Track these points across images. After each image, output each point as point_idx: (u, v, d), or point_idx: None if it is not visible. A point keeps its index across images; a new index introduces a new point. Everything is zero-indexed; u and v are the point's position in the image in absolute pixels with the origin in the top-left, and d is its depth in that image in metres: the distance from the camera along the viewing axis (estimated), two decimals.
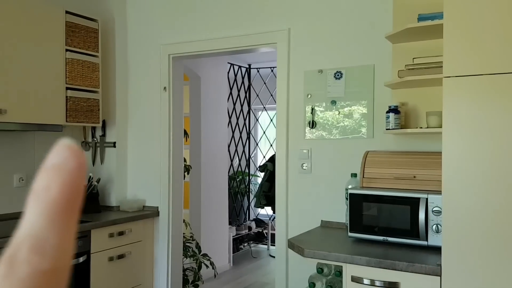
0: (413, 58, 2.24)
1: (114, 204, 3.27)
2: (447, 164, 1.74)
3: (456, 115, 1.72)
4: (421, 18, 2.08)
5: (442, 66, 1.77)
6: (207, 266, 3.67)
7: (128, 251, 3.00)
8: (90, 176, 3.18)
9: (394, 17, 2.35)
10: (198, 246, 3.74)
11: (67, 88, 2.90)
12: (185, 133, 3.94)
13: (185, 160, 3.86)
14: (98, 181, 3.17)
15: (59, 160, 0.24)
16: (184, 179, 3.44)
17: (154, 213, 3.19)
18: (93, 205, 3.10)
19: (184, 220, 3.76)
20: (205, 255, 3.68)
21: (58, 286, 0.22)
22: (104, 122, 3.29)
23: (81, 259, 2.65)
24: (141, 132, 3.31)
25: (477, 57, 1.69)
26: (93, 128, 3.34)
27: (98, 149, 3.32)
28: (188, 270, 3.59)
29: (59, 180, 0.23)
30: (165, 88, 3.18)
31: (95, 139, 3.33)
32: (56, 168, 0.23)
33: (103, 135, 3.30)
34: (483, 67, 1.68)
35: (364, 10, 2.53)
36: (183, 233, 3.61)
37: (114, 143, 3.27)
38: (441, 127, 1.86)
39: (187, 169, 3.87)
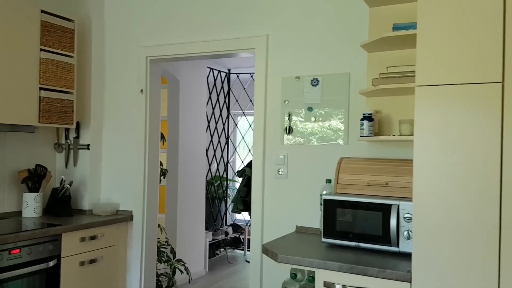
0: (387, 67, 2.28)
1: (87, 208, 3.21)
2: (418, 172, 1.77)
3: (427, 123, 1.76)
4: (396, 27, 2.12)
5: (414, 75, 1.80)
6: (181, 272, 3.64)
7: (100, 256, 2.94)
8: (62, 179, 3.11)
9: (370, 26, 2.39)
10: (173, 251, 3.70)
11: (41, 89, 2.84)
12: (162, 136, 3.91)
13: (161, 164, 3.82)
14: (70, 184, 3.11)
15: None
16: (160, 183, 3.40)
17: (128, 217, 3.15)
18: (65, 208, 3.04)
19: (159, 225, 3.72)
20: (179, 260, 3.65)
21: None
22: (78, 124, 3.24)
23: (51, 263, 2.59)
24: (116, 135, 3.26)
25: (449, 67, 1.73)
26: (67, 130, 3.28)
27: (72, 151, 3.25)
28: (162, 276, 3.55)
29: None
30: (142, 90, 3.15)
31: (69, 141, 3.27)
32: None
33: (77, 137, 3.24)
34: (455, 77, 1.72)
35: (341, 18, 2.57)
36: (158, 238, 3.57)
37: (88, 145, 3.22)
38: (413, 135, 1.90)
39: (163, 173, 3.84)
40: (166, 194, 4.32)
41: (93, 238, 2.88)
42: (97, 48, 3.28)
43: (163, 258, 3.55)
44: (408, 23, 2.09)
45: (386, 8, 2.33)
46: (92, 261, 2.88)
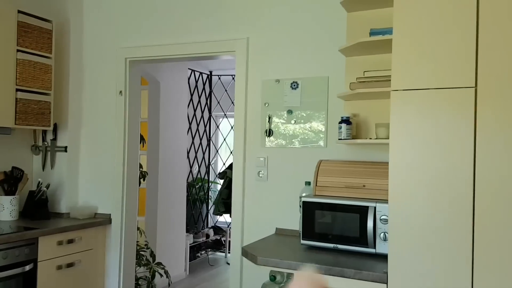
0: (364, 71, 2.32)
1: (64, 211, 3.16)
2: (394, 174, 1.80)
3: (402, 127, 1.79)
4: (373, 32, 2.15)
5: (390, 80, 1.84)
6: (161, 275, 3.61)
7: (77, 260, 2.90)
8: (39, 182, 3.06)
9: (347, 31, 2.42)
10: (152, 255, 3.67)
11: (17, 90, 2.79)
12: (142, 138, 3.88)
13: (141, 166, 3.79)
14: (47, 186, 3.06)
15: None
16: (139, 185, 3.38)
17: (106, 220, 3.11)
18: (41, 211, 2.99)
19: (138, 228, 3.69)
20: (159, 263, 3.62)
21: None
22: (55, 126, 3.19)
23: (27, 268, 2.54)
24: (95, 137, 3.23)
25: (423, 72, 1.77)
26: (44, 132, 3.22)
27: (49, 154, 3.20)
28: (141, 279, 3.52)
29: None
30: (121, 92, 3.12)
31: (46, 143, 3.21)
32: None
33: (54, 139, 3.19)
34: (429, 81, 1.76)
35: (320, 23, 2.59)
36: (137, 241, 3.54)
37: (66, 147, 3.17)
38: (389, 138, 1.93)
39: (143, 175, 3.81)
40: (146, 197, 4.29)
41: (70, 241, 2.85)
42: (76, 49, 3.24)
43: (142, 262, 3.52)
44: (385, 28, 2.12)
45: (364, 13, 2.36)
46: (70, 265, 2.84)
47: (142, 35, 3.10)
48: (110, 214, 3.15)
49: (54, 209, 3.18)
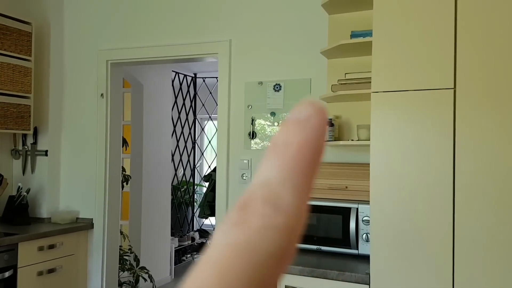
0: (345, 73, 2.33)
1: (45, 216, 3.11)
2: (374, 175, 1.81)
3: (382, 128, 1.80)
4: (353, 35, 2.16)
5: (371, 82, 1.85)
6: (145, 280, 3.57)
7: (59, 265, 2.85)
8: (19, 186, 3.00)
9: (329, 33, 2.43)
10: (136, 259, 3.63)
11: None
12: (125, 141, 3.84)
13: (124, 170, 3.75)
14: (28, 191, 3.00)
15: (303, 116, 0.22)
16: (123, 189, 3.34)
17: (88, 225, 3.07)
18: (22, 216, 2.93)
19: (122, 232, 3.64)
20: (143, 268, 3.58)
21: (288, 246, 0.20)
22: (36, 129, 3.13)
23: (6, 274, 2.49)
24: (76, 140, 3.18)
25: (403, 74, 1.79)
26: (24, 136, 3.17)
27: (29, 158, 3.15)
28: (125, 284, 3.48)
29: (301, 137, 0.22)
30: (102, 94, 3.08)
31: (26, 147, 3.16)
32: (299, 123, 0.22)
33: (35, 143, 3.14)
34: (409, 83, 1.78)
35: (302, 25, 2.60)
36: (121, 246, 3.49)
37: (46, 151, 3.12)
38: (370, 139, 1.94)
39: (126, 179, 3.77)
40: (129, 201, 4.24)
41: (51, 247, 2.80)
42: (56, 51, 3.19)
43: (126, 266, 3.48)
44: (366, 31, 2.14)
45: (345, 15, 2.38)
46: (51, 271, 2.79)
47: (123, 37, 3.07)
48: (92, 219, 3.10)
49: (34, 214, 3.12)
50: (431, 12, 1.75)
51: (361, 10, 2.33)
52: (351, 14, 2.36)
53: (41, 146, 3.14)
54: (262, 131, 2.69)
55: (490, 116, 1.65)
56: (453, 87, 1.71)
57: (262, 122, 2.69)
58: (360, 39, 2.07)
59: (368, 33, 2.11)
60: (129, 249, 3.69)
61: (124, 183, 3.78)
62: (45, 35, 3.15)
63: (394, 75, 1.79)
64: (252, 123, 2.71)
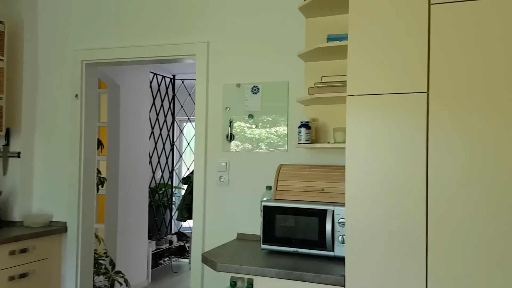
0: (322, 77, 2.35)
1: (17, 219, 3.03)
2: (350, 178, 1.83)
3: (358, 131, 1.82)
4: (330, 38, 2.18)
5: (346, 85, 1.86)
6: (120, 284, 3.52)
7: (31, 270, 2.79)
8: None
9: (306, 36, 2.45)
10: (112, 263, 3.57)
11: None
12: (100, 143, 3.78)
13: (99, 172, 3.69)
14: None
15: None
16: (98, 191, 3.28)
17: (61, 228, 3.00)
18: None
19: (97, 236, 3.58)
20: (118, 272, 3.52)
21: None
22: (8, 131, 3.05)
23: None
24: (49, 142, 3.11)
25: (378, 77, 1.81)
26: None
27: (1, 160, 3.06)
28: None
29: None
30: (76, 95, 3.03)
31: None
32: None
33: (7, 145, 3.06)
34: (383, 87, 1.80)
35: (280, 28, 2.61)
36: (96, 250, 3.43)
37: (19, 153, 3.04)
38: (345, 142, 1.95)
39: (101, 181, 3.71)
40: (105, 203, 4.17)
41: (23, 251, 2.73)
42: (30, 51, 3.12)
43: (101, 270, 3.42)
44: (342, 34, 2.16)
45: (322, 19, 2.40)
46: (23, 276, 2.72)
47: (99, 37, 3.02)
48: (66, 222, 3.04)
49: (6, 217, 3.04)
50: (405, 16, 1.78)
51: (337, 14, 2.35)
52: (328, 18, 2.38)
53: (13, 147, 3.06)
54: (240, 133, 2.68)
55: (462, 119, 1.69)
56: (426, 90, 1.74)
57: (240, 124, 2.69)
58: (337, 43, 2.09)
59: (345, 37, 2.13)
60: (105, 253, 3.63)
61: (100, 186, 3.71)
62: (18, 34, 3.08)
63: (369, 79, 1.82)
64: (230, 125, 2.71)
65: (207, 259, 2.12)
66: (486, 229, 1.65)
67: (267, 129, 2.62)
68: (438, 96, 1.72)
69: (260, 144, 2.64)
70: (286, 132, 2.58)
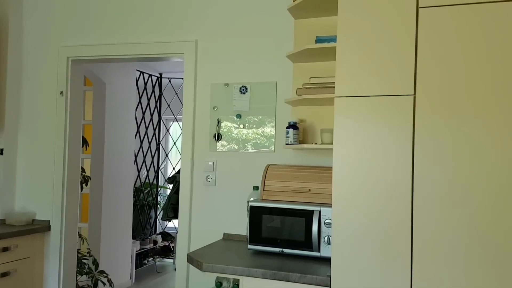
0: (310, 78, 2.36)
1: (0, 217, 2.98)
2: (337, 179, 1.84)
3: (345, 132, 1.83)
4: (318, 40, 2.19)
5: (335, 86, 1.88)
6: (104, 284, 3.48)
7: (13, 269, 2.73)
8: None
9: (295, 37, 2.45)
10: (95, 263, 3.52)
11: None
12: (85, 141, 3.74)
13: (83, 170, 3.65)
14: None
15: None
16: (82, 190, 3.24)
17: (45, 227, 2.96)
18: None
19: (80, 235, 3.54)
20: (102, 272, 3.48)
21: None
22: None
23: None
24: (33, 139, 3.06)
25: (366, 79, 1.82)
26: None
27: None
28: None
29: None
30: (61, 92, 2.98)
31: None
32: None
33: None
34: (371, 89, 1.81)
35: (269, 28, 2.61)
36: (79, 249, 3.39)
37: (2, 150, 2.99)
38: (333, 143, 1.97)
39: (85, 180, 3.66)
40: (89, 202, 4.12)
41: (5, 249, 2.68)
42: (14, 46, 3.06)
43: (84, 270, 3.37)
44: (330, 36, 2.17)
45: (311, 20, 2.41)
46: (4, 275, 2.67)
47: (86, 33, 2.98)
48: (49, 221, 2.99)
49: None
50: (393, 19, 1.80)
51: (326, 16, 2.37)
52: (316, 19, 2.39)
53: None
54: (228, 133, 2.68)
55: (448, 121, 1.71)
56: (413, 93, 1.76)
57: (228, 124, 2.68)
58: (325, 44, 2.10)
59: (333, 39, 2.14)
60: (88, 252, 3.58)
61: (84, 184, 3.67)
62: (2, 30, 3.02)
63: (357, 81, 1.83)
64: (217, 125, 2.70)
65: (193, 259, 2.11)
66: (471, 231, 1.67)
67: (255, 129, 2.63)
68: (425, 99, 1.74)
69: (247, 144, 2.64)
70: (273, 132, 2.59)
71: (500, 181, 1.64)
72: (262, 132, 2.61)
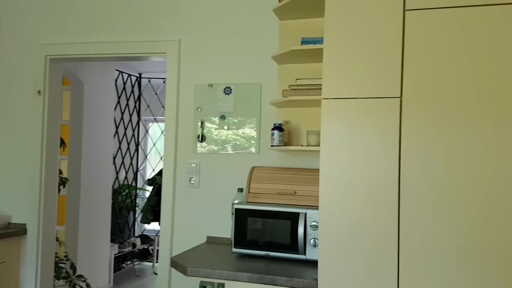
0: (296, 79, 2.34)
1: None
2: (324, 181, 1.83)
3: (332, 134, 1.82)
4: (304, 41, 2.18)
5: (321, 88, 1.87)
6: None
7: None
8: None
9: (280, 38, 2.44)
10: (73, 267, 3.43)
11: None
12: (62, 142, 3.64)
13: (61, 172, 3.55)
14: None
15: None
16: (59, 192, 3.14)
17: (21, 230, 2.86)
18: None
19: (58, 239, 3.43)
20: (80, 276, 3.39)
21: None
22: None
23: None
24: (9, 140, 2.95)
25: (352, 81, 1.82)
26: None
27: None
28: None
29: None
30: (39, 92, 2.89)
31: None
32: None
33: None
34: (357, 91, 1.81)
35: (254, 29, 2.59)
36: (56, 253, 3.29)
37: None
38: (319, 145, 1.96)
39: (63, 182, 3.56)
40: (66, 205, 4.01)
41: None
42: None
43: (61, 274, 3.28)
44: (316, 38, 2.16)
45: (296, 22, 2.40)
46: None
47: (64, 31, 2.90)
48: (25, 224, 2.90)
49: None
50: (380, 21, 1.80)
51: (312, 17, 2.36)
52: (302, 21, 2.38)
53: None
54: (211, 134, 2.64)
55: (434, 123, 1.72)
56: (399, 96, 1.77)
57: (212, 125, 2.64)
58: (311, 46, 2.09)
59: (319, 40, 2.14)
60: (65, 256, 3.48)
61: (61, 186, 3.56)
62: None
63: (344, 83, 1.83)
64: (201, 126, 2.66)
65: (177, 263, 2.06)
66: (458, 232, 1.68)
67: (239, 131, 2.60)
68: (411, 101, 1.75)
69: (230, 145, 2.61)
70: (258, 134, 2.57)
71: (489, 185, 1.66)
72: (246, 133, 2.59)
